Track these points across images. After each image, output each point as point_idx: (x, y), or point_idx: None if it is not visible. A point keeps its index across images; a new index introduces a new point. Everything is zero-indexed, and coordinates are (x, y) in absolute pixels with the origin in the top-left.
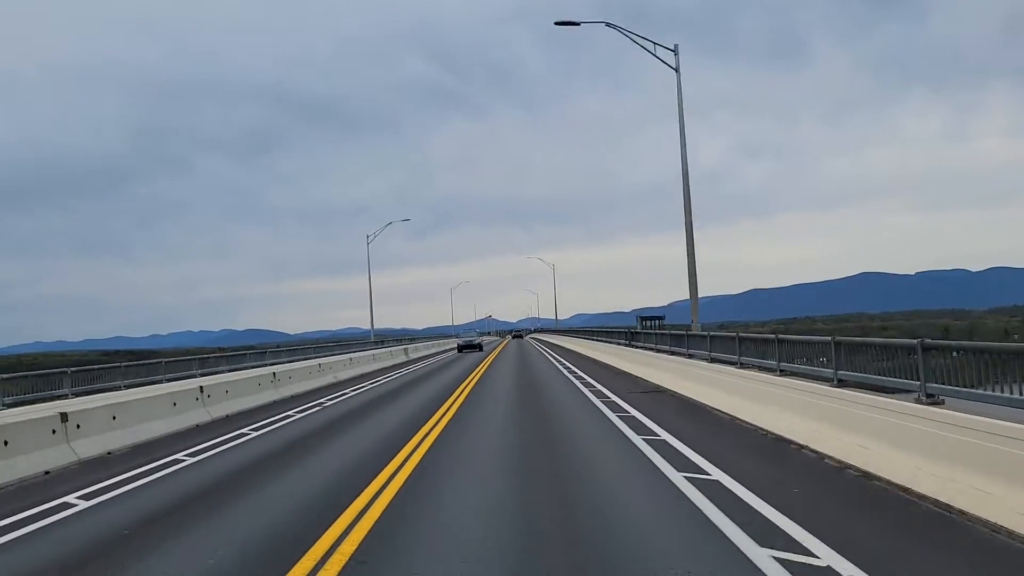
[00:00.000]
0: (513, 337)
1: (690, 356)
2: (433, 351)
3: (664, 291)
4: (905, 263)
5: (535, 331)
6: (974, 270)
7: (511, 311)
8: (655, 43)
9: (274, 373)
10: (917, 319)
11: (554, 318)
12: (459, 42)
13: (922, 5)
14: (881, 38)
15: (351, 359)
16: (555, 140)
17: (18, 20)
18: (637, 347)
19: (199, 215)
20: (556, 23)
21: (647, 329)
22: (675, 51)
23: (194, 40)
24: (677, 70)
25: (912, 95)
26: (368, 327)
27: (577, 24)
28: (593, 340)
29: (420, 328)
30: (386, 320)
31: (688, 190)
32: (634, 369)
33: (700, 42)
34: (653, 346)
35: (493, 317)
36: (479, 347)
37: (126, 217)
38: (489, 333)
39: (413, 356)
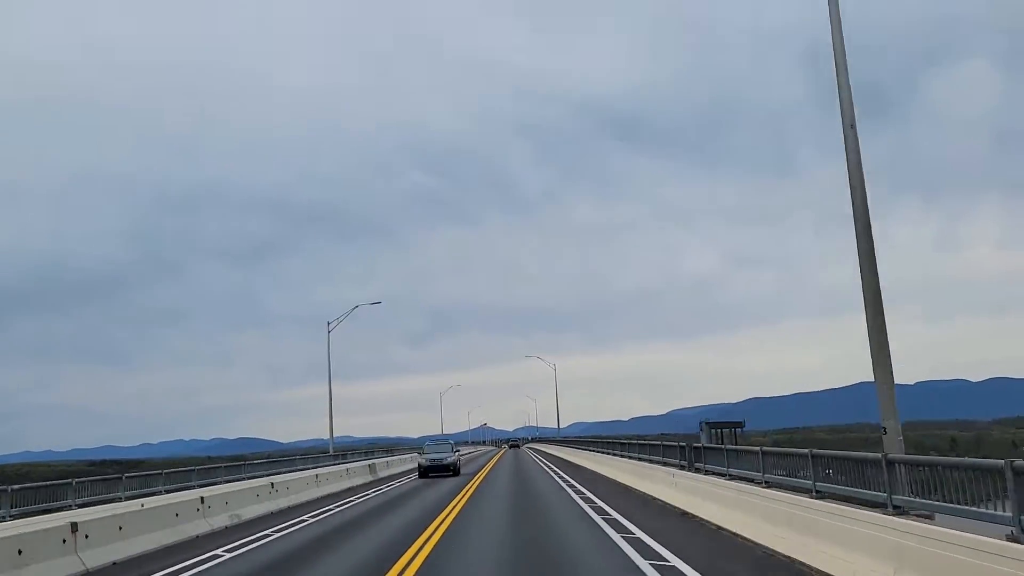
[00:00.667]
0: (510, 447)
1: (899, 513)
2: (413, 466)
3: (663, 399)
4: (905, 372)
5: (533, 440)
6: (974, 380)
7: (508, 419)
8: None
9: (73, 523)
10: (922, 430)
11: (553, 427)
12: (454, 152)
13: (908, 119)
14: (869, 150)
15: (273, 485)
16: (552, 247)
17: (22, 128)
18: (711, 473)
19: (196, 322)
20: None
21: (727, 444)
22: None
23: (200, 151)
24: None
25: (903, 205)
26: (364, 436)
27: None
28: (616, 456)
29: (415, 436)
30: (381, 428)
31: (859, 157)
32: (727, 520)
33: (693, 155)
34: (758, 475)
35: (488, 425)
36: (453, 469)
37: (121, 324)
38: (484, 442)
39: (384, 474)
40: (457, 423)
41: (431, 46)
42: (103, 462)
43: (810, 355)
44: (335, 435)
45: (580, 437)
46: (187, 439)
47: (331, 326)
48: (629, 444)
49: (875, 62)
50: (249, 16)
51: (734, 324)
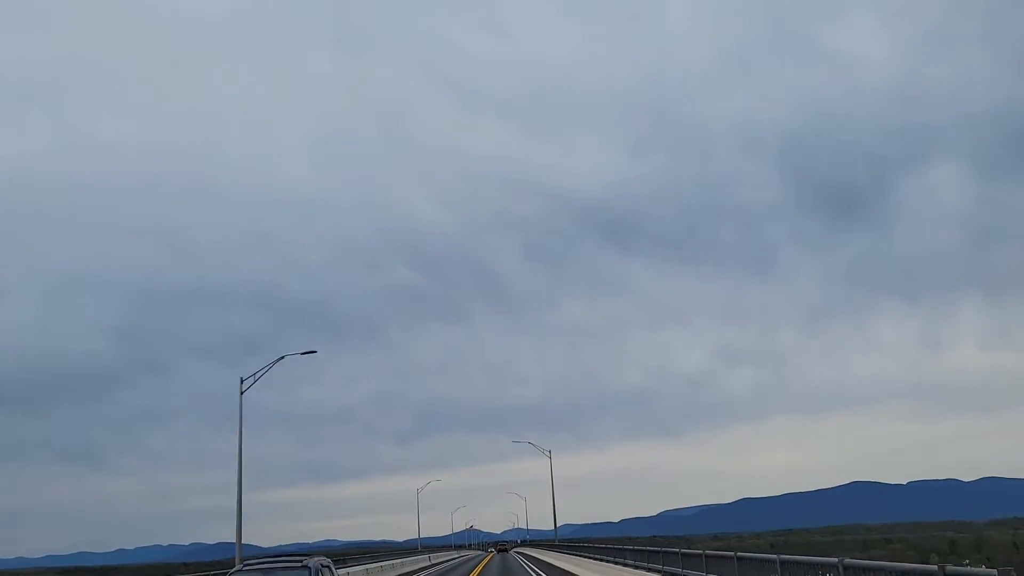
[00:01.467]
0: (498, 551)
1: None
2: None
3: (654, 500)
4: (897, 472)
5: (523, 543)
6: (966, 480)
7: (496, 521)
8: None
9: None
10: (919, 531)
11: (542, 529)
12: (443, 250)
13: (882, 220)
14: (848, 251)
15: None
16: (541, 345)
17: (11, 226)
18: None
19: (177, 422)
20: None
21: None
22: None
23: (185, 245)
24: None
25: (885, 305)
26: (352, 538)
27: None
28: None
29: (401, 540)
30: (368, 531)
31: None
32: None
33: (679, 254)
34: None
35: (475, 527)
36: None
37: (97, 424)
38: (470, 545)
39: None
40: (443, 525)
41: (415, 140)
42: (76, 569)
43: (799, 454)
44: (322, 539)
45: (585, 541)
46: (165, 544)
47: (245, 384)
48: (707, 556)
49: (852, 164)
50: (237, 110)
51: (724, 422)
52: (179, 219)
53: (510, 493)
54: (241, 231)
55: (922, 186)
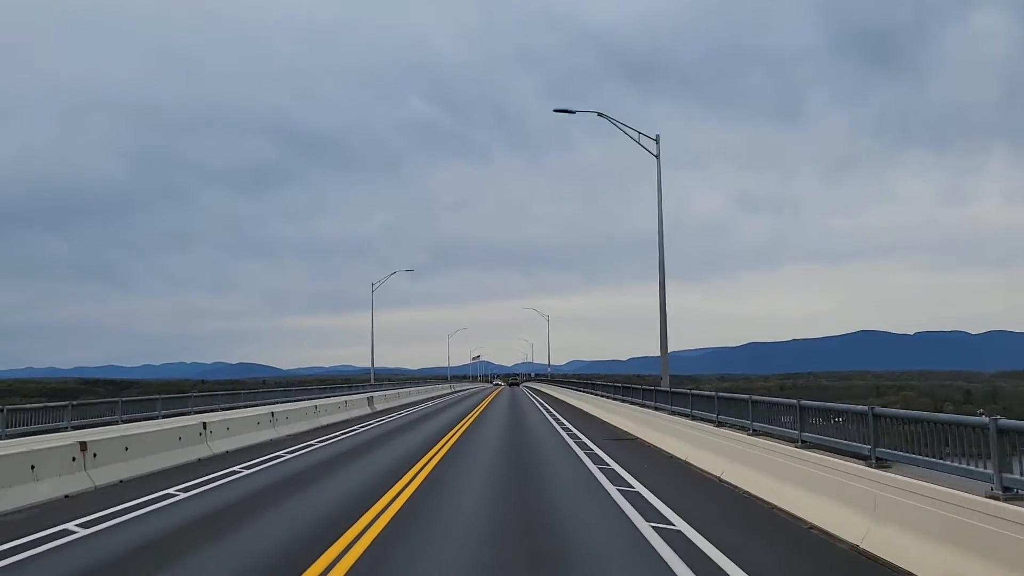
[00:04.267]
0: (509, 384)
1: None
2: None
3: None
4: (904, 322)
5: (535, 377)
6: (973, 332)
7: (507, 355)
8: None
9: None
10: (930, 379)
11: (558, 363)
12: (461, 84)
13: (919, 68)
14: (879, 99)
15: None
16: (557, 186)
17: (26, 40)
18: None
19: (199, 247)
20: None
21: None
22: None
23: (203, 71)
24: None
25: (911, 156)
26: (366, 365)
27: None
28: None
29: (415, 368)
30: (382, 359)
31: None
32: None
33: (701, 96)
34: None
35: (482, 358)
36: None
37: (125, 246)
38: (475, 378)
39: (223, 448)
40: (454, 356)
41: None
42: (98, 381)
43: (809, 302)
44: (338, 364)
45: (597, 379)
46: (188, 362)
47: None
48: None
49: (890, 10)
50: None
51: (736, 268)
52: (194, 43)
53: (527, 308)
54: (258, 58)
55: (963, 32)
